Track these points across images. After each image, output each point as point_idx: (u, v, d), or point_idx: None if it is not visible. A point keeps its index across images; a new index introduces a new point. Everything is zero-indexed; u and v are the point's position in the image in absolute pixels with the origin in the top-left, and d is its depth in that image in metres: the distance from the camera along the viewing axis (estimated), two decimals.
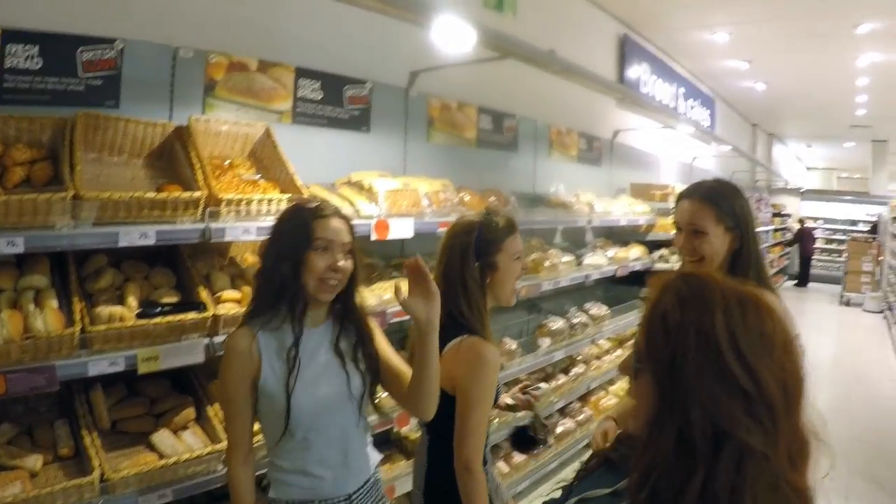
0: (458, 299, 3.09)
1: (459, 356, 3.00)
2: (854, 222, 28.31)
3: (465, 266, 3.11)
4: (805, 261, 24.81)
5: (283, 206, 3.65)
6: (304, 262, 2.65)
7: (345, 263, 2.71)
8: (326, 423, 2.74)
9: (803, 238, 24.74)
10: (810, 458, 1.50)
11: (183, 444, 3.32)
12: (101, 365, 2.97)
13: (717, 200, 2.95)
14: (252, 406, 2.71)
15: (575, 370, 6.85)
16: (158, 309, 3.23)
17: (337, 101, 5.04)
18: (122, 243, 3.03)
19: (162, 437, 3.34)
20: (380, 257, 4.96)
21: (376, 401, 3.03)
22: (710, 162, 16.27)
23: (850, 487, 6.95)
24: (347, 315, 2.88)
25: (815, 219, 28.19)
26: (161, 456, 3.24)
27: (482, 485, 2.96)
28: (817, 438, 1.51)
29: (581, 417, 6.78)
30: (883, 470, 7.51)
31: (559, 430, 6.43)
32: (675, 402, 1.41)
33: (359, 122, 5.23)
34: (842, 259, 23.59)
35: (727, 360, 1.37)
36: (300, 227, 2.68)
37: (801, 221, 25.50)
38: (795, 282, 24.52)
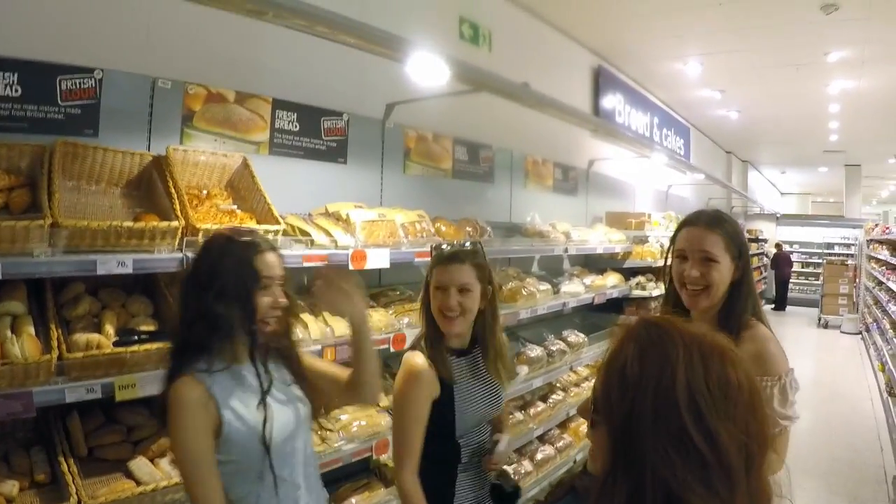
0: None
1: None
2: (830, 245, 28.54)
3: (423, 286, 3.32)
4: (782, 284, 24.89)
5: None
6: (254, 301, 2.58)
7: (284, 300, 2.70)
8: (291, 453, 2.71)
9: (780, 262, 24.79)
10: None
11: (161, 472, 3.33)
12: (78, 392, 2.96)
13: (725, 228, 2.88)
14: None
15: (554, 397, 6.86)
16: (135, 337, 3.24)
17: (314, 132, 5.08)
18: (100, 271, 3.04)
19: (139, 465, 3.34)
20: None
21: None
22: (686, 190, 16.39)
23: (806, 488, 7.07)
24: (282, 350, 2.88)
25: (792, 243, 28.39)
26: (138, 483, 3.23)
27: (408, 498, 3.05)
28: (779, 496, 1.50)
29: (560, 444, 6.79)
30: (862, 488, 7.60)
31: (539, 456, 6.43)
32: (628, 461, 1.36)
33: (335, 153, 5.26)
34: (818, 282, 23.76)
35: (685, 422, 1.32)
36: (245, 263, 2.59)
37: (777, 246, 25.61)
38: (773, 306, 24.50)
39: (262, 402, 2.59)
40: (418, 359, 3.16)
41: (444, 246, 3.27)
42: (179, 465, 2.50)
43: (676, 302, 3.00)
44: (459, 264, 3.16)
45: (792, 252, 27.56)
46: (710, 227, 2.88)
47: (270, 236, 3.73)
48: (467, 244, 3.29)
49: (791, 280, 25.92)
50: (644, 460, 1.32)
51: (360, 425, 4.31)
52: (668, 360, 1.37)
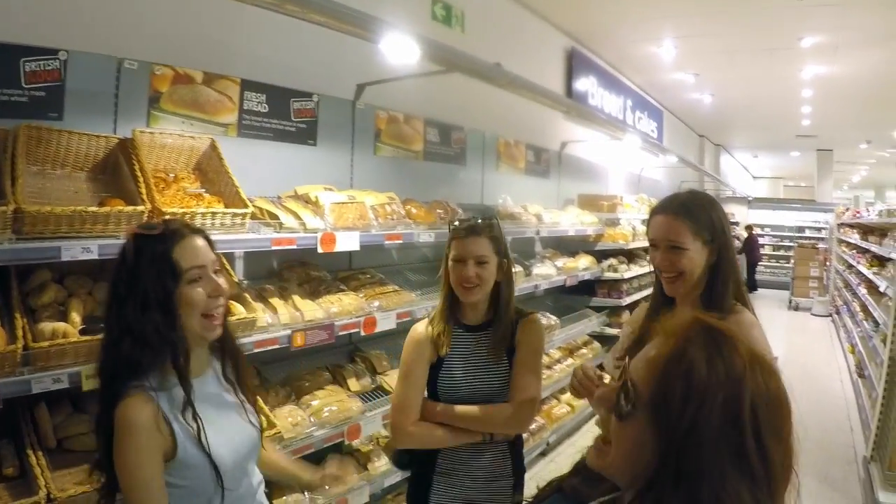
0: None
1: None
2: (801, 229, 28.71)
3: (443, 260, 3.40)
4: (751, 267, 24.96)
5: (228, 219, 3.65)
6: (179, 300, 2.29)
7: (225, 286, 2.44)
8: (246, 470, 2.57)
9: (752, 245, 24.94)
10: None
11: None
12: (44, 382, 2.92)
13: (693, 214, 2.84)
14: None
15: None
16: (102, 324, 3.17)
17: (283, 113, 5.04)
18: (65, 258, 3.00)
19: None
20: (326, 270, 4.96)
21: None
22: (659, 173, 16.45)
23: (801, 485, 7.02)
24: (226, 343, 2.64)
25: (763, 226, 28.54)
26: None
27: (418, 438, 3.29)
28: None
29: (533, 427, 6.80)
30: (832, 467, 7.67)
31: None
32: (683, 472, 1.30)
33: (305, 135, 5.22)
34: (789, 265, 23.93)
35: (746, 437, 1.30)
36: (160, 258, 2.27)
37: (749, 229, 25.69)
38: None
39: (192, 417, 2.32)
40: (419, 326, 3.38)
41: (460, 219, 3.38)
42: (127, 492, 2.20)
43: (661, 286, 3.02)
44: (476, 237, 3.24)
45: (763, 235, 27.74)
46: (676, 214, 2.86)
47: (239, 220, 3.70)
48: (484, 218, 3.37)
49: (762, 263, 26.11)
50: (702, 474, 1.28)
51: (331, 410, 4.29)
52: (735, 371, 1.33)
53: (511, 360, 3.30)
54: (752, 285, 24.78)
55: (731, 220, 25.03)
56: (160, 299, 2.24)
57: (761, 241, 26.84)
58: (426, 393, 3.33)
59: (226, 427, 2.44)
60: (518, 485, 3.38)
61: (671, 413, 1.32)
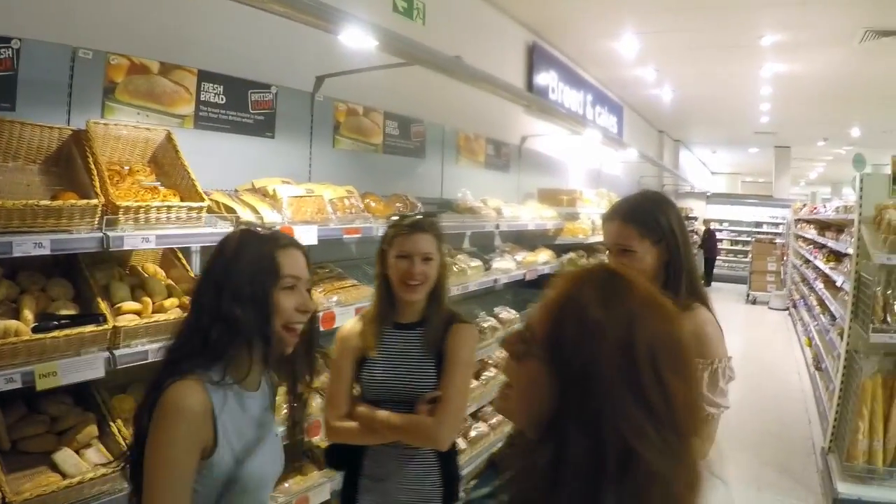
0: None
1: None
2: (759, 224, 29.03)
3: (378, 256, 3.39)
4: (708, 263, 25.12)
5: (184, 213, 3.60)
6: (271, 301, 2.27)
7: (312, 304, 2.43)
8: (261, 500, 2.43)
9: (710, 241, 25.16)
10: (701, 492, 1.42)
11: (86, 463, 3.22)
12: None
13: (638, 217, 2.92)
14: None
15: (486, 374, 6.83)
16: (55, 322, 3.12)
17: (241, 105, 4.98)
18: (16, 253, 2.92)
19: (65, 457, 3.22)
20: None
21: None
22: (618, 167, 16.55)
23: (761, 477, 7.26)
24: (296, 369, 2.61)
25: (721, 221, 28.83)
26: (64, 476, 3.12)
27: (338, 432, 3.30)
28: (711, 473, 1.46)
29: (493, 421, 6.78)
30: (791, 459, 7.84)
31: (472, 433, 6.41)
32: (584, 412, 1.31)
33: (263, 127, 5.18)
34: (747, 259, 24.24)
35: (645, 377, 1.31)
36: (263, 257, 2.29)
37: (706, 224, 26.10)
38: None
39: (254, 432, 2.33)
40: (350, 322, 3.39)
41: (402, 216, 3.34)
42: (153, 478, 2.07)
43: None
44: (423, 233, 3.21)
45: (721, 230, 28.01)
46: (623, 219, 2.96)
47: (195, 213, 3.66)
48: (425, 214, 3.36)
49: (720, 258, 26.37)
50: (602, 412, 1.29)
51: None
52: (632, 311, 1.36)
53: (440, 366, 3.26)
54: (708, 280, 24.98)
55: (690, 216, 25.24)
56: (257, 295, 2.24)
57: (719, 235, 27.10)
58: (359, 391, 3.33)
59: (263, 451, 2.37)
60: (450, 494, 3.32)
61: (564, 351, 1.35)
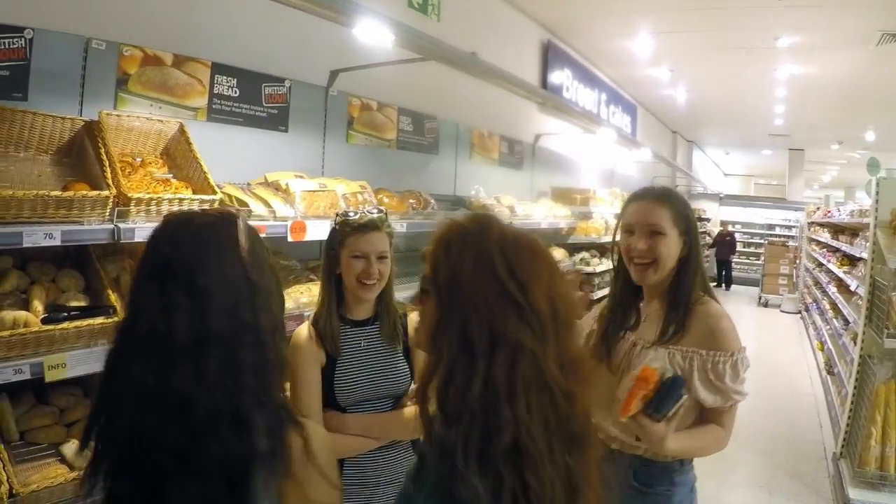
0: None
1: None
2: (771, 227, 28.88)
3: (325, 253, 3.25)
4: (725, 264, 24.84)
5: (196, 206, 3.57)
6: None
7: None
8: None
9: (725, 243, 24.70)
10: (584, 378, 1.65)
11: None
12: (5, 373, 2.83)
13: (673, 202, 2.87)
14: None
15: None
16: (65, 314, 3.11)
17: (254, 98, 4.97)
18: (27, 244, 2.90)
19: (72, 448, 3.22)
20: (296, 259, 4.89)
21: None
22: (632, 168, 16.49)
23: (772, 481, 7.16)
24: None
25: (734, 223, 28.65)
26: (72, 468, 3.12)
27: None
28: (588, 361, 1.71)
29: None
30: (803, 464, 7.72)
31: None
32: (454, 310, 1.57)
33: (276, 120, 5.16)
34: (759, 262, 24.05)
35: (502, 276, 1.55)
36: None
37: (724, 225, 25.73)
38: (714, 284, 24.44)
39: None
40: (302, 329, 3.18)
41: (350, 213, 3.19)
42: None
43: (626, 279, 3.00)
44: (377, 232, 3.12)
45: (734, 232, 27.82)
46: (658, 200, 2.87)
47: (207, 206, 3.63)
48: (373, 211, 3.22)
49: (731, 260, 26.17)
50: (468, 306, 1.55)
51: None
52: (487, 236, 1.62)
53: (409, 357, 3.24)
54: (727, 284, 24.79)
55: (703, 217, 25.11)
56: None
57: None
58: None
59: None
60: None
61: (438, 274, 1.63)
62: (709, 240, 24.67)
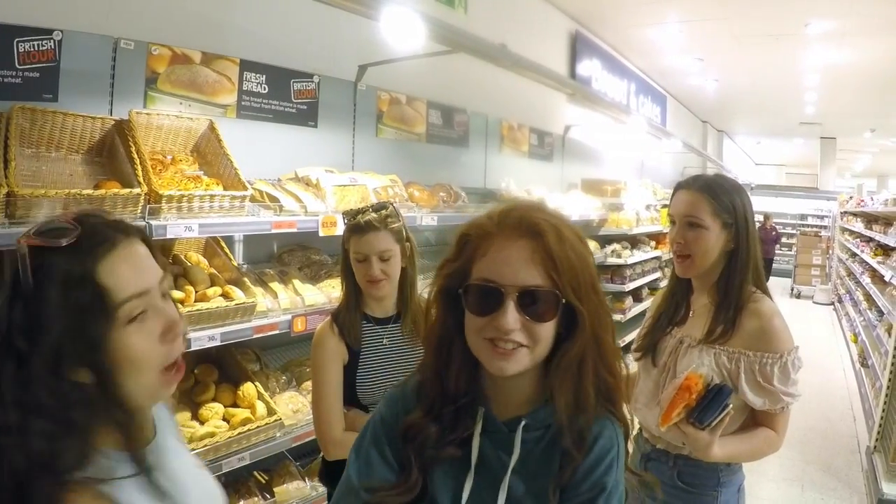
0: None
1: None
2: (804, 217, 28.59)
3: (342, 253, 3.23)
4: (766, 262, 22.17)
5: (227, 202, 3.58)
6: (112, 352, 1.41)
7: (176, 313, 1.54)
8: None
9: (766, 238, 22.14)
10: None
11: None
12: None
13: (716, 193, 2.79)
14: None
15: None
16: None
17: (283, 95, 4.98)
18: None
19: None
20: (327, 254, 4.89)
21: None
22: (662, 158, 16.37)
23: (805, 475, 7.08)
24: None
25: (766, 213, 28.31)
26: None
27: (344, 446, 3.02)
28: None
29: None
30: (836, 457, 7.63)
31: None
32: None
33: (306, 116, 5.16)
34: (792, 253, 23.73)
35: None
36: (76, 283, 1.36)
37: (767, 217, 23.45)
38: None
39: None
40: (324, 326, 3.18)
41: (354, 213, 3.17)
42: None
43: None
44: (376, 232, 3.08)
45: (759, 222, 27.22)
46: (700, 190, 2.81)
47: (238, 202, 3.63)
48: (378, 208, 3.19)
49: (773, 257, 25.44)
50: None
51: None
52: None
53: None
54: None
55: None
56: (84, 352, 1.37)
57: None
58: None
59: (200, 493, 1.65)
60: None
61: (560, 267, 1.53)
62: None
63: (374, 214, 3.11)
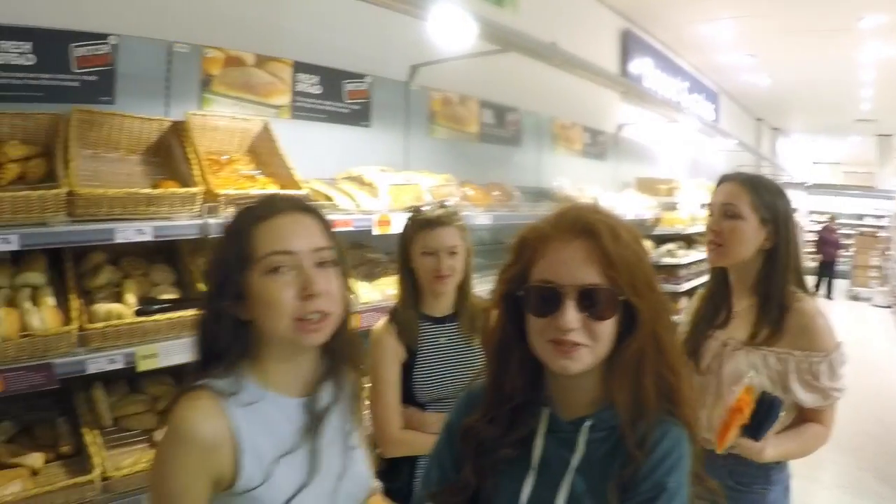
0: None
1: None
2: (860, 217, 28.03)
3: (399, 248, 3.20)
4: (827, 266, 21.36)
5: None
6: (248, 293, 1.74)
7: (319, 287, 1.73)
8: None
9: (826, 242, 21.52)
10: None
11: None
12: (99, 363, 2.93)
13: (757, 187, 2.77)
14: None
15: None
16: (157, 306, 3.21)
17: (336, 95, 5.01)
18: (118, 239, 3.00)
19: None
20: (382, 252, 4.90)
21: None
22: (715, 157, 16.21)
23: (859, 482, 6.90)
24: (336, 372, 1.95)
25: (822, 213, 27.84)
26: None
27: (404, 444, 3.07)
28: None
29: None
30: (890, 464, 7.43)
31: None
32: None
33: (359, 116, 5.20)
34: (849, 254, 23.24)
35: None
36: (235, 235, 1.77)
37: (832, 219, 22.71)
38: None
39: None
40: (381, 324, 3.17)
41: (421, 209, 3.20)
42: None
43: (718, 271, 2.96)
44: (445, 227, 3.08)
45: (821, 223, 26.81)
46: (742, 183, 2.81)
47: None
48: (445, 206, 3.21)
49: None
50: None
51: None
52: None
53: None
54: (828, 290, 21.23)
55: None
56: (229, 287, 1.73)
57: (818, 228, 25.97)
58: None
59: (289, 463, 1.76)
60: None
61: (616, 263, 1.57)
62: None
63: (442, 210, 3.12)
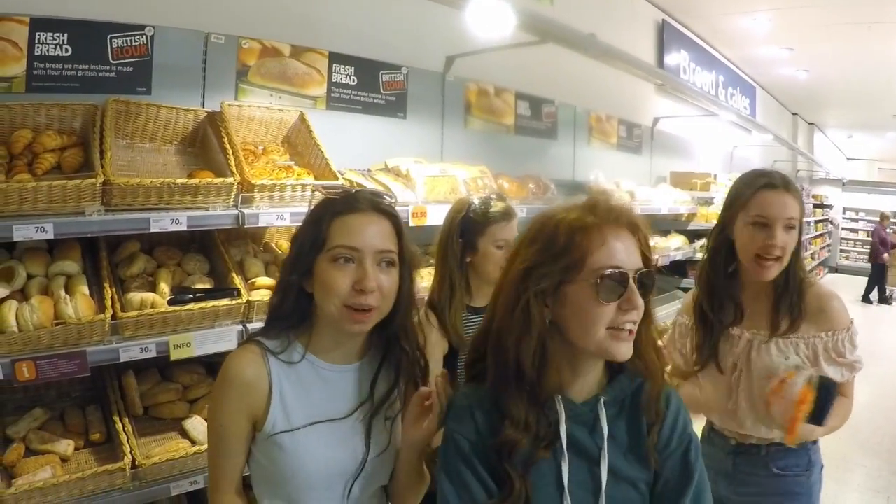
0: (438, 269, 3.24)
1: None
2: None
3: (448, 240, 3.19)
4: (880, 271, 19.65)
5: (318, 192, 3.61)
6: (316, 273, 1.98)
7: (373, 283, 1.92)
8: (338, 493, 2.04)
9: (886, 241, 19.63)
10: None
11: None
12: (132, 351, 2.95)
13: (797, 191, 2.71)
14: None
15: None
16: (191, 295, 3.21)
17: (372, 86, 5.00)
18: (154, 229, 3.01)
19: (194, 424, 3.35)
20: (417, 244, 4.87)
21: None
22: (751, 151, 16.05)
23: (891, 487, 6.71)
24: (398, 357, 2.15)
25: (857, 210, 27.52)
26: (193, 442, 3.25)
27: None
28: None
29: None
30: None
31: None
32: None
33: (395, 107, 5.18)
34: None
35: None
36: (315, 222, 1.99)
37: (885, 218, 20.62)
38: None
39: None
40: (422, 316, 2.93)
41: (484, 202, 3.21)
42: (208, 445, 2.05)
43: (729, 271, 2.85)
44: (513, 221, 3.16)
45: (857, 220, 26.41)
46: (788, 190, 2.70)
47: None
48: (503, 199, 3.25)
49: (856, 249, 24.62)
50: None
51: None
52: None
53: None
54: (882, 296, 19.51)
55: (825, 203, 24.07)
56: (301, 266, 1.98)
57: (853, 225, 25.59)
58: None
59: (324, 430, 2.01)
60: None
61: None
62: (830, 228, 23.25)
63: (506, 203, 3.20)
